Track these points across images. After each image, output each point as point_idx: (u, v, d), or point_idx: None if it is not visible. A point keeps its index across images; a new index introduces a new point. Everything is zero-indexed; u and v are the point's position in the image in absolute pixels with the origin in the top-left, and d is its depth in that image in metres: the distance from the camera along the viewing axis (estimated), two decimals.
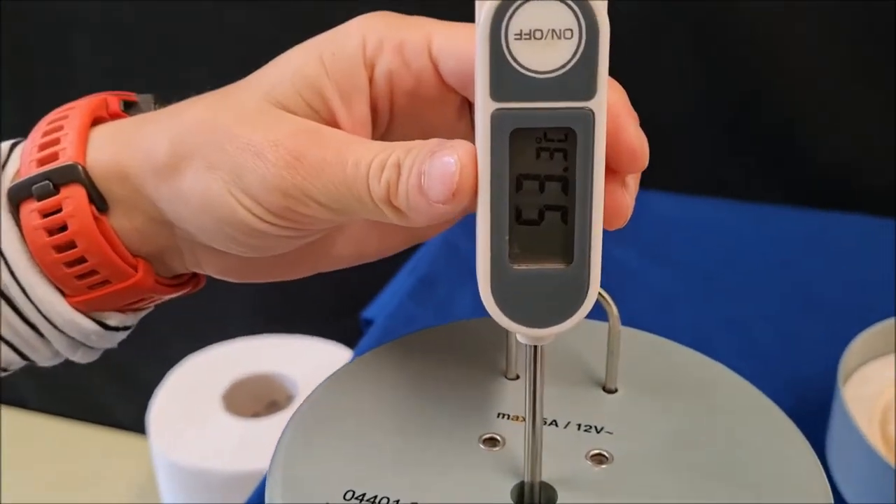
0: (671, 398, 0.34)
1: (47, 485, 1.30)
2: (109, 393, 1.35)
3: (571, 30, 0.25)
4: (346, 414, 0.33)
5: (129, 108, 0.37)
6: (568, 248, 0.27)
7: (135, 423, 1.22)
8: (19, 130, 0.37)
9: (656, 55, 0.89)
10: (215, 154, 0.31)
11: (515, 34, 0.25)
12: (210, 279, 0.38)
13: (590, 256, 0.27)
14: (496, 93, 0.26)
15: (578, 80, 0.25)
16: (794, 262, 0.75)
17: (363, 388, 0.34)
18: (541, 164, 0.27)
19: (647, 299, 0.70)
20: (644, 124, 0.29)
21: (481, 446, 0.32)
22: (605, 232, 0.27)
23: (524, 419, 0.30)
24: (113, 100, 0.36)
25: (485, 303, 0.27)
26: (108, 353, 0.38)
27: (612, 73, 0.26)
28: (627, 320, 0.35)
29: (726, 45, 0.87)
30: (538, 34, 0.25)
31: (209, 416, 0.95)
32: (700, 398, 0.34)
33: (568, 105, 0.26)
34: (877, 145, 0.87)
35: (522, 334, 0.28)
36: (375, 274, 0.84)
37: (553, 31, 0.25)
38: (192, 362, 1.02)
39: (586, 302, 0.27)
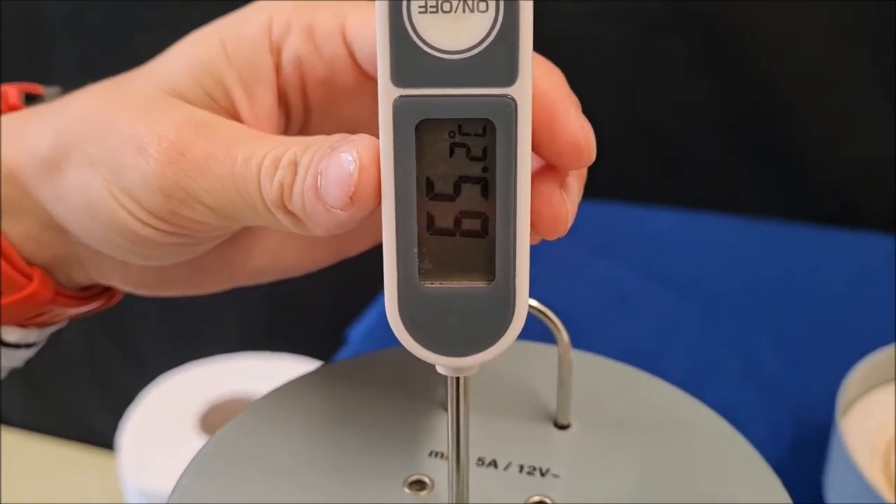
0: (632, 437, 0.30)
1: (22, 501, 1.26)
2: (91, 408, 1.32)
3: (486, 1, 0.21)
4: (259, 447, 0.29)
5: (33, 101, 0.33)
6: (489, 262, 0.23)
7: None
8: None
9: (660, 70, 0.86)
10: (96, 149, 0.27)
11: (420, 6, 0.21)
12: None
13: (515, 272, 0.23)
14: (399, 77, 0.22)
15: (496, 61, 0.21)
16: (802, 281, 0.71)
17: (284, 417, 0.30)
18: (455, 163, 0.22)
19: (644, 321, 0.66)
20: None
21: (406, 490, 0.28)
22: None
23: None
24: (12, 91, 0.32)
25: (393, 328, 0.23)
26: (91, 367, 0.34)
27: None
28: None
29: (732, 60, 0.84)
30: (447, 6, 0.21)
31: (184, 439, 0.91)
32: (666, 438, 0.30)
33: (484, 91, 0.22)
34: (889, 160, 0.83)
35: (439, 364, 0.24)
36: (365, 289, 0.81)
37: (465, 2, 0.21)
38: (169, 382, 0.97)
39: (513, 325, 0.23)
